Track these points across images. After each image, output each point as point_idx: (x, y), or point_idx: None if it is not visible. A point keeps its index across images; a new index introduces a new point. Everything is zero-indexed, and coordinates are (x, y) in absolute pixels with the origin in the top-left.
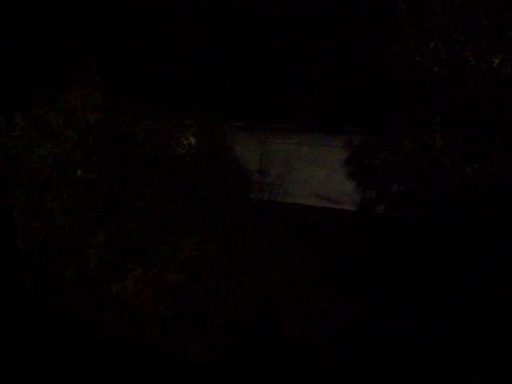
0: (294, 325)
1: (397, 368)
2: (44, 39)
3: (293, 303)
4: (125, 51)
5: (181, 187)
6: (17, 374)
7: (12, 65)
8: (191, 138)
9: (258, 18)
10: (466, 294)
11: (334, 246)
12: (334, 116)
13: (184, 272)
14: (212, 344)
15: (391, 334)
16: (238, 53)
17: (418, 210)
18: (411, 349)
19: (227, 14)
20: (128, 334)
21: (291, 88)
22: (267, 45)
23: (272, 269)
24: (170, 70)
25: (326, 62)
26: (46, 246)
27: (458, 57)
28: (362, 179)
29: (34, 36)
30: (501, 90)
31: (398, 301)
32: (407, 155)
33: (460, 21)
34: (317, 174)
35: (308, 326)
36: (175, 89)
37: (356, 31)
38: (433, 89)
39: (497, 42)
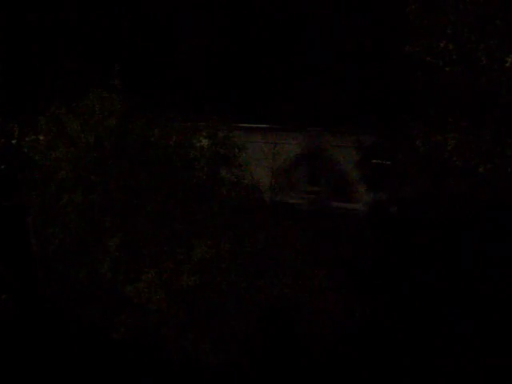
0: (307, 326)
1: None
2: (63, 41)
3: (306, 304)
4: (139, 55)
5: (194, 189)
6: (30, 375)
7: (30, 67)
8: (204, 141)
9: (268, 21)
10: (478, 292)
11: (347, 246)
12: (347, 117)
13: (197, 274)
14: (225, 346)
15: (405, 333)
16: (250, 55)
17: (430, 210)
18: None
19: (237, 18)
20: (142, 335)
21: (304, 89)
22: (279, 46)
23: (285, 270)
24: (183, 74)
25: (338, 62)
26: (59, 248)
27: (469, 56)
28: (375, 179)
29: (53, 38)
30: None
31: (411, 300)
32: (420, 156)
33: (471, 20)
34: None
35: (322, 328)
36: (188, 92)
37: (367, 31)
38: (445, 89)
39: (509, 41)
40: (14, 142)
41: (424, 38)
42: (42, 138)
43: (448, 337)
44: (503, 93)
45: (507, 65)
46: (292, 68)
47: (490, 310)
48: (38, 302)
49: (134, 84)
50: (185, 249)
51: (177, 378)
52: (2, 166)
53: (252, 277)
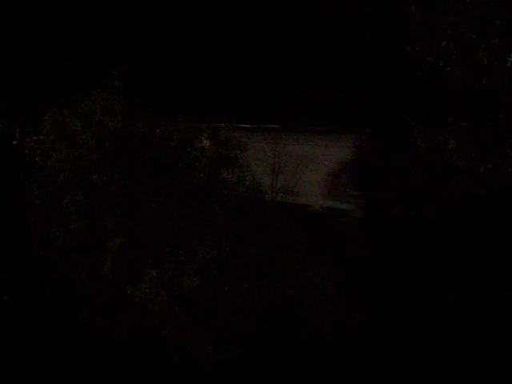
0: (308, 327)
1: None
2: (64, 42)
3: (307, 305)
4: (140, 56)
5: (195, 190)
6: (31, 376)
7: (29, 68)
8: (205, 141)
9: (270, 21)
10: (479, 292)
11: (347, 246)
12: (347, 117)
13: (198, 275)
14: (226, 347)
15: (406, 333)
16: (250, 55)
17: (430, 210)
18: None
19: (237, 17)
20: (143, 337)
21: (304, 89)
22: (279, 47)
23: (286, 270)
24: (183, 74)
25: (338, 62)
26: (60, 249)
27: (470, 56)
28: (375, 180)
29: (53, 39)
30: None
31: (411, 300)
32: (420, 155)
33: (472, 20)
34: (330, 174)
35: (323, 328)
36: (189, 92)
37: (367, 31)
38: (445, 89)
39: (510, 40)
40: (15, 142)
41: (424, 37)
42: (42, 138)
43: (448, 337)
44: (504, 93)
45: (508, 64)
46: (292, 68)
47: (492, 310)
48: (39, 302)
49: (135, 84)
50: (186, 250)
51: (178, 379)
52: (3, 167)
53: (253, 278)
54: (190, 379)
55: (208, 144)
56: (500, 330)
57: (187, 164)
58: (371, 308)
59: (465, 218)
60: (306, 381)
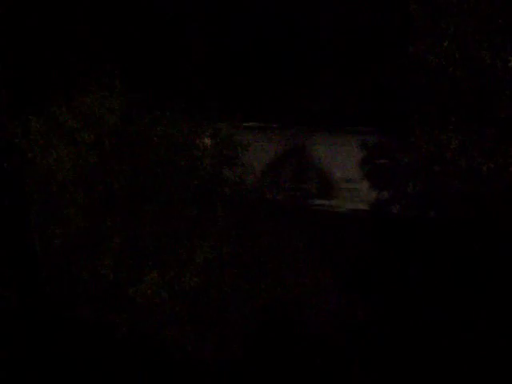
0: (310, 327)
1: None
2: (62, 40)
3: (308, 305)
4: (141, 53)
5: (197, 189)
6: (32, 372)
7: (29, 66)
8: (207, 140)
9: (274, 20)
10: (479, 292)
11: (349, 245)
12: (349, 116)
13: (199, 275)
14: (227, 347)
15: (407, 333)
16: (253, 54)
17: (433, 209)
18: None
19: (241, 16)
20: (144, 335)
21: (306, 88)
22: (283, 46)
23: (288, 271)
24: (185, 71)
25: (341, 62)
26: (61, 247)
27: (472, 56)
28: (377, 179)
29: (52, 37)
30: None
31: (412, 300)
32: (422, 155)
33: (474, 19)
34: (332, 174)
35: (324, 328)
36: (191, 90)
37: (370, 31)
38: (447, 88)
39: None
40: (17, 141)
41: (426, 37)
42: (42, 137)
43: (448, 337)
44: (506, 92)
45: (510, 64)
46: (295, 68)
47: (492, 310)
48: (41, 300)
49: (136, 82)
50: (187, 250)
51: (178, 378)
52: (5, 165)
53: (254, 278)
54: (190, 378)
55: (210, 143)
56: (501, 331)
57: (188, 163)
58: (373, 308)
59: (467, 217)
60: (307, 380)
